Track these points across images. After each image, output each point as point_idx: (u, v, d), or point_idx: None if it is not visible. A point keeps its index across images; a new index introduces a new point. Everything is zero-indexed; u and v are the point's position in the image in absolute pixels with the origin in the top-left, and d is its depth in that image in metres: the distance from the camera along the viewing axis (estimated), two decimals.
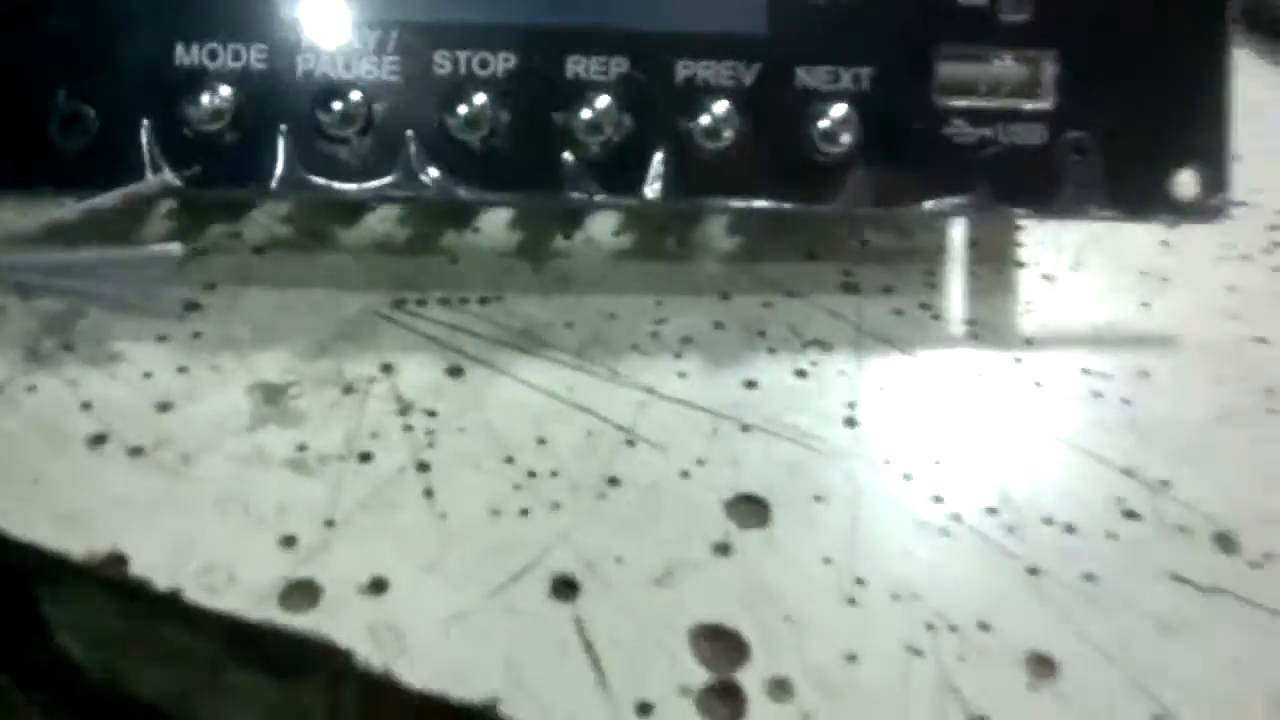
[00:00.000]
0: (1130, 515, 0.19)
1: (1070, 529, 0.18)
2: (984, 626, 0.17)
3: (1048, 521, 0.18)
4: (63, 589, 0.18)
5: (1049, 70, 0.21)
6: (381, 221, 0.23)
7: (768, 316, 0.22)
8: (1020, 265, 0.23)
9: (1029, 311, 0.23)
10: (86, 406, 0.19)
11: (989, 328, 0.22)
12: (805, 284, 0.22)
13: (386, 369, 0.20)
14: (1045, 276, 0.23)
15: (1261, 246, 0.25)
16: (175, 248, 0.20)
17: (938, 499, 0.19)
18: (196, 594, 0.16)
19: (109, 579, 0.17)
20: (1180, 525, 0.19)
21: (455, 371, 0.20)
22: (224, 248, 0.22)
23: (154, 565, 0.17)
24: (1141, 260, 0.24)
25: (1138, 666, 0.16)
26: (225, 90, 0.20)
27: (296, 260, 0.22)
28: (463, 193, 0.20)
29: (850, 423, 0.20)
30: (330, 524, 0.17)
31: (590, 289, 0.22)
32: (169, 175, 0.20)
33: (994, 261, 0.23)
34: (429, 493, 0.18)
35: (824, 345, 0.21)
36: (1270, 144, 0.28)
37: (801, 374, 0.21)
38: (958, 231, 0.24)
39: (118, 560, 0.17)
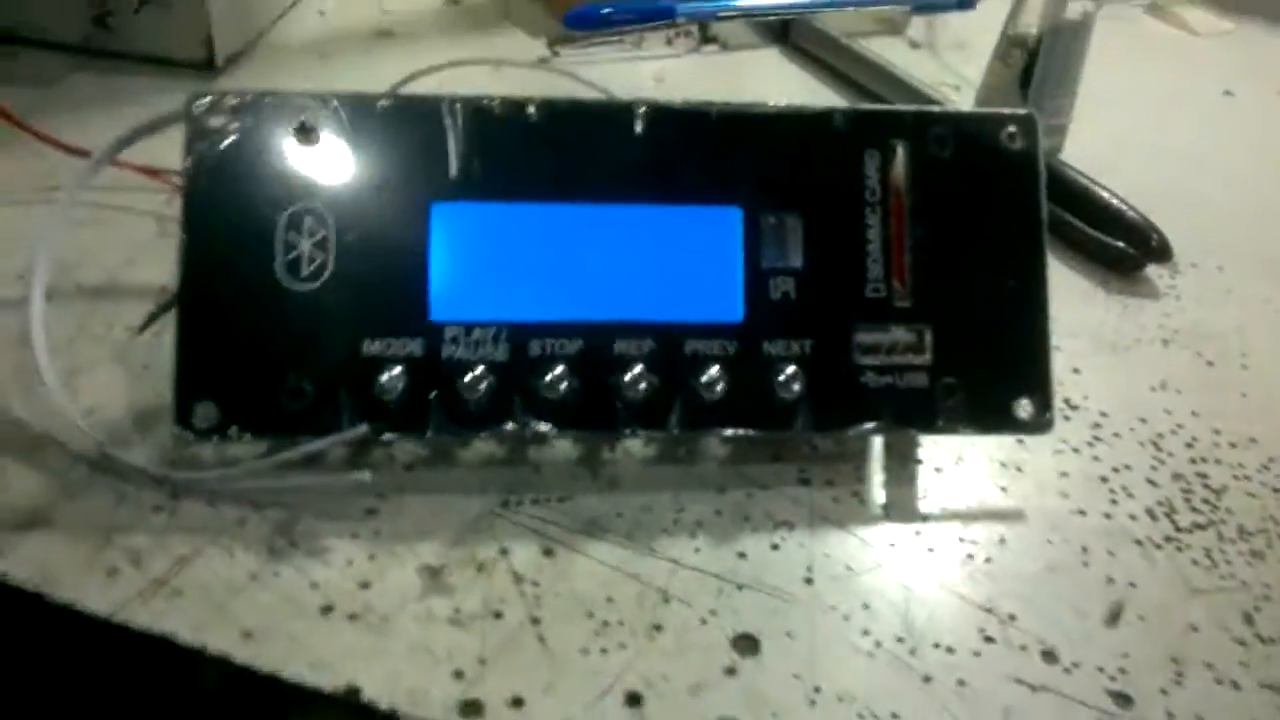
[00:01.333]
0: (988, 639, 0.29)
1: (950, 650, 0.29)
2: (895, 716, 0.27)
3: (936, 645, 0.29)
4: (312, 713, 0.27)
5: (927, 337, 0.32)
6: (486, 444, 0.33)
7: (750, 504, 0.32)
8: (919, 462, 0.34)
9: (925, 496, 0.33)
10: (314, 586, 0.29)
11: (899, 509, 0.33)
12: (773, 479, 0.33)
13: (503, 552, 0.30)
14: (936, 469, 0.34)
15: (1086, 440, 0.36)
16: (366, 476, 0.30)
17: (865, 632, 0.29)
18: (407, 709, 0.26)
19: (348, 703, 0.27)
20: (1020, 645, 0.29)
21: (549, 552, 0.30)
22: (385, 467, 0.32)
23: (376, 691, 0.27)
24: (1002, 454, 0.35)
25: None
26: (396, 370, 0.30)
27: (434, 474, 0.32)
28: (551, 431, 0.31)
29: (809, 581, 0.30)
30: (482, 662, 0.27)
31: (631, 489, 0.32)
32: (364, 426, 0.30)
33: (901, 459, 0.34)
34: (541, 639, 0.28)
35: (789, 525, 0.32)
36: (1097, 359, 0.40)
37: (775, 547, 0.31)
38: (877, 440, 0.35)
39: (353, 690, 0.27)
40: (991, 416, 0.32)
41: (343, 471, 0.31)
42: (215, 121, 0.30)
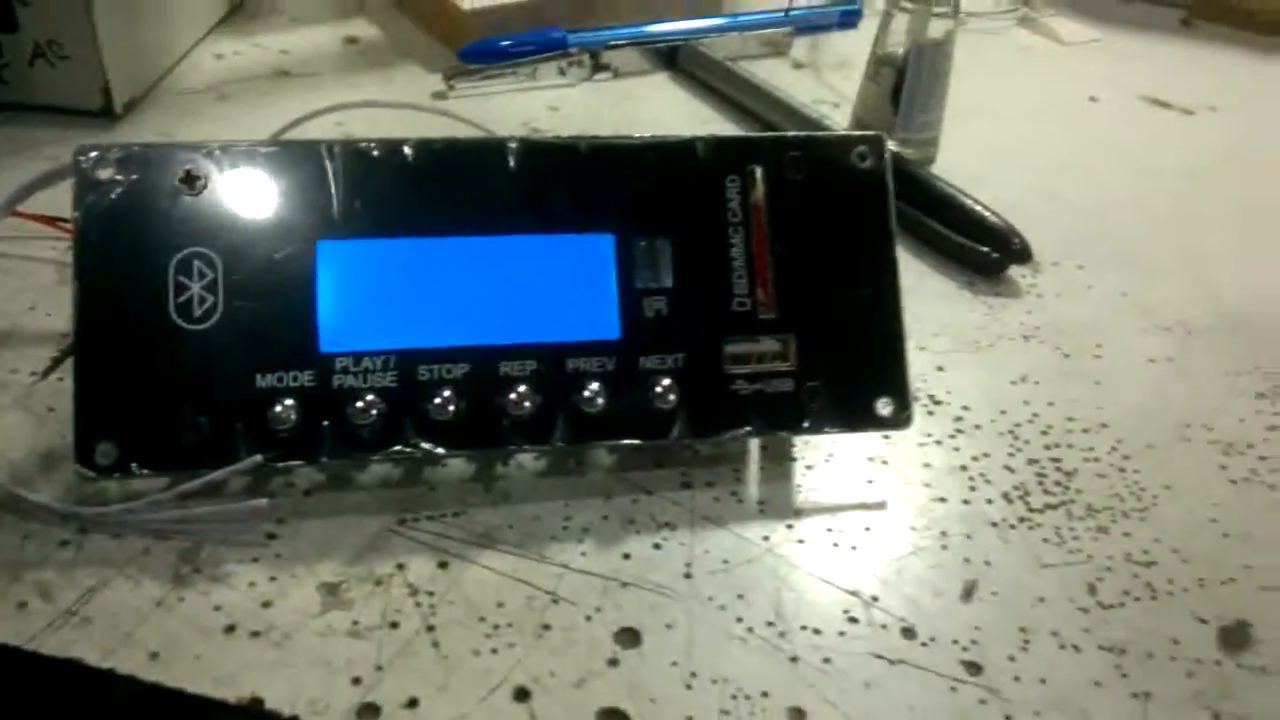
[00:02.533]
0: (852, 620, 0.32)
1: (817, 631, 0.31)
2: (765, 694, 0.29)
3: (803, 628, 0.31)
4: None
5: (791, 345, 0.35)
6: (382, 466, 0.35)
7: (635, 509, 0.35)
8: (793, 460, 0.37)
9: (798, 492, 0.36)
10: (218, 608, 0.30)
11: (773, 505, 0.35)
12: (658, 484, 0.35)
13: (400, 567, 0.32)
14: (808, 466, 0.37)
15: (948, 433, 0.39)
16: (264, 503, 0.32)
17: (739, 619, 0.31)
18: (308, 716, 0.28)
19: (251, 712, 0.28)
20: (882, 624, 0.32)
21: (443, 565, 0.32)
22: (284, 493, 0.34)
23: (278, 701, 0.28)
24: (870, 450, 0.37)
25: (853, 709, 0.29)
26: (289, 400, 0.32)
27: (332, 497, 0.34)
28: (440, 451, 0.33)
29: (688, 576, 0.32)
30: (379, 668, 0.29)
31: (523, 500, 0.34)
32: (258, 457, 0.32)
33: (776, 460, 0.37)
34: (435, 644, 0.30)
35: (671, 526, 0.34)
36: (961, 357, 0.42)
37: (657, 546, 0.33)
38: (754, 442, 0.37)
39: (257, 700, 0.28)
40: (855, 416, 0.35)
41: (243, 499, 0.33)
42: (103, 174, 0.32)
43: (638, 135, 0.35)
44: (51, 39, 0.48)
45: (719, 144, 0.35)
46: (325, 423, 0.32)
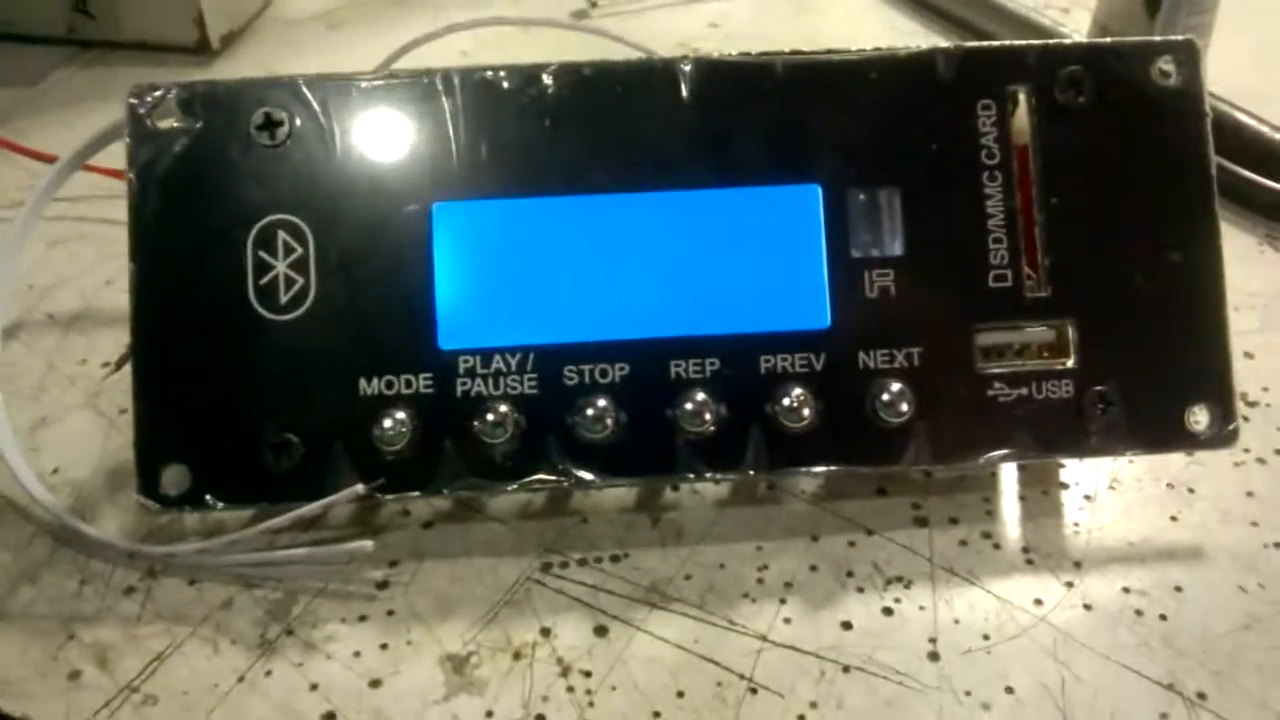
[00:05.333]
0: None
1: None
2: None
3: None
4: None
5: (1071, 335, 0.25)
6: (518, 490, 0.27)
7: (852, 555, 0.26)
8: (1064, 486, 0.27)
9: (1076, 533, 0.26)
10: (314, 687, 0.23)
11: (1043, 553, 0.26)
12: (880, 520, 0.27)
13: (545, 633, 0.24)
14: (1086, 497, 0.27)
15: (1274, 447, 0.29)
16: (368, 545, 0.25)
17: None
18: None
19: None
20: None
21: (601, 630, 0.24)
22: (397, 525, 0.27)
23: None
24: (1169, 473, 0.28)
25: None
26: (400, 414, 0.24)
27: (458, 532, 0.27)
28: (596, 480, 0.25)
29: (934, 657, 0.24)
30: None
31: (701, 540, 0.26)
32: (360, 487, 0.24)
33: (1041, 484, 0.27)
34: None
35: (904, 581, 0.25)
36: (1273, 339, 0.32)
37: (888, 612, 0.25)
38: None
39: None
40: (1158, 432, 0.25)
41: (346, 536, 0.26)
42: (162, 122, 0.25)
43: (854, 49, 0.26)
44: None
45: (966, 57, 0.26)
46: (446, 442, 0.25)
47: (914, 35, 0.47)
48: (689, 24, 0.47)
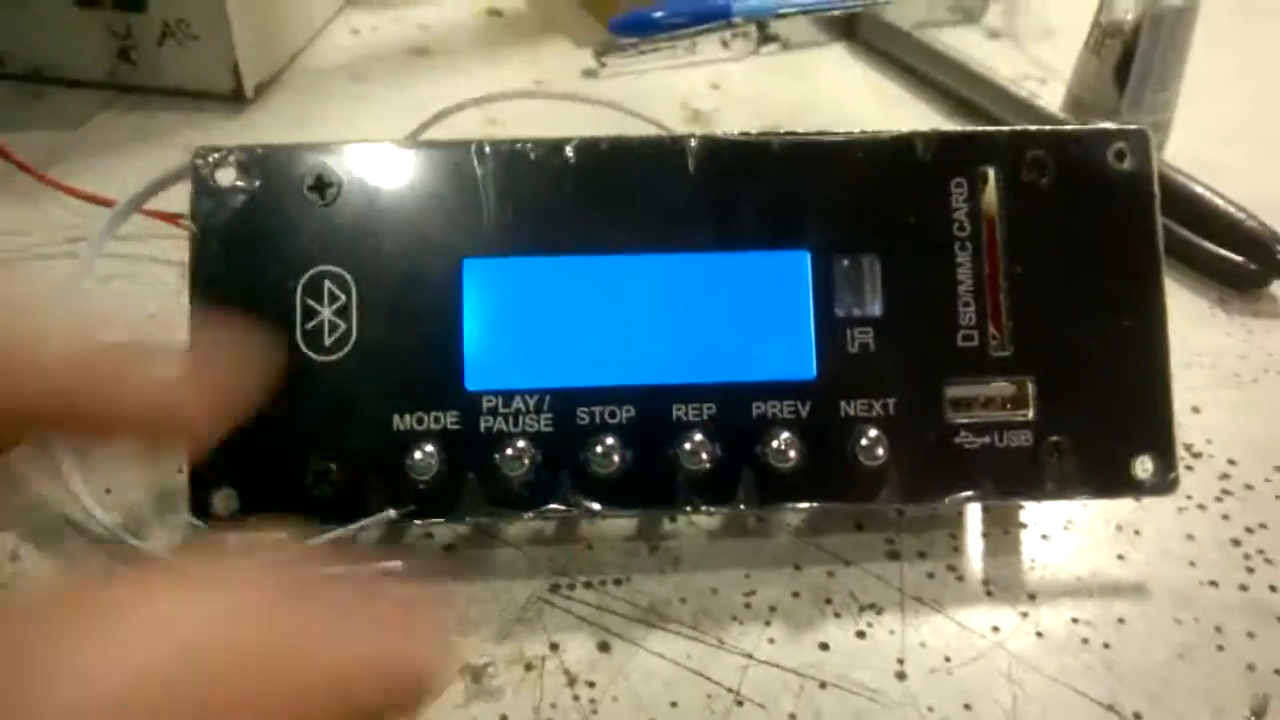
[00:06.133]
0: None
1: None
2: None
3: None
4: None
5: (1030, 389, 0.28)
6: (533, 518, 0.30)
7: (831, 584, 0.29)
8: (1023, 526, 0.30)
9: (1031, 569, 0.29)
10: None
11: (1001, 586, 0.29)
12: (857, 553, 0.29)
13: (554, 647, 0.27)
14: (1043, 536, 0.30)
15: (1214, 495, 0.32)
16: (398, 565, 0.27)
17: None
18: None
19: None
20: None
21: (604, 646, 0.27)
22: (421, 548, 0.29)
23: None
24: (1118, 515, 0.31)
25: None
26: (429, 446, 0.27)
27: (476, 555, 0.29)
28: (602, 511, 0.28)
29: (900, 676, 0.27)
30: None
31: (695, 567, 0.29)
32: (391, 512, 0.27)
33: (1002, 524, 0.30)
34: None
35: (876, 608, 0.28)
36: (1220, 394, 0.35)
37: (861, 635, 0.28)
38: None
39: None
40: (1106, 478, 0.28)
41: (375, 554, 0.28)
42: (224, 179, 0.28)
43: (841, 130, 0.29)
44: (181, 18, 0.44)
45: (944, 141, 0.29)
46: (470, 474, 0.27)
47: (902, 101, 0.50)
48: (690, 84, 0.50)
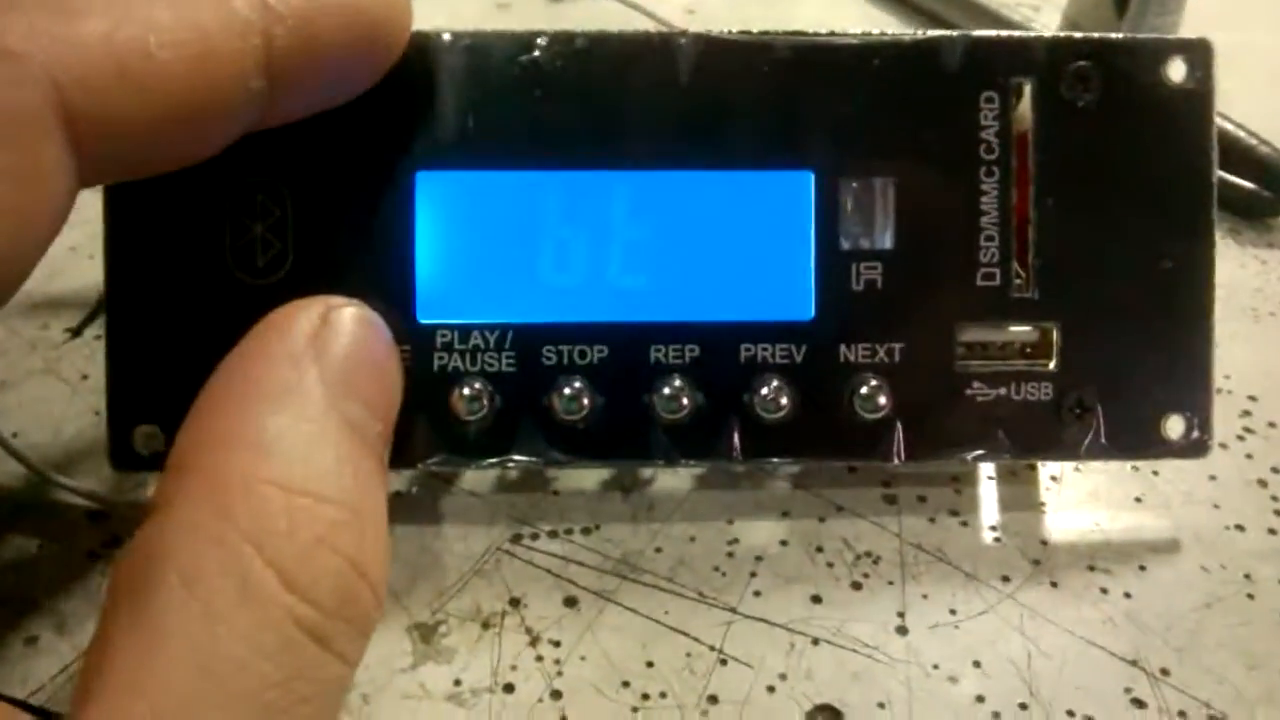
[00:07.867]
0: (1137, 704, 0.23)
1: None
2: None
3: (1070, 714, 0.23)
4: None
5: (1055, 338, 0.25)
6: (491, 465, 0.27)
7: (823, 531, 0.26)
8: (1031, 467, 0.28)
9: (1043, 513, 0.27)
10: None
11: (1011, 532, 0.27)
12: (851, 498, 0.27)
13: (515, 603, 0.25)
14: (1054, 478, 0.28)
15: (1235, 433, 0.29)
16: None
17: (979, 698, 0.23)
18: None
19: None
20: (1179, 710, 0.23)
21: (571, 602, 0.25)
22: None
23: None
24: None
25: None
26: None
27: (432, 503, 0.27)
28: (569, 461, 0.25)
29: (902, 631, 0.25)
30: None
31: (672, 514, 0.27)
32: None
33: (1009, 466, 0.28)
34: (564, 719, 0.23)
35: (873, 557, 0.26)
36: (1236, 327, 0.32)
37: (857, 586, 0.25)
38: None
39: None
40: (1133, 438, 0.25)
41: None
42: None
43: (857, 32, 0.25)
44: None
45: (974, 46, 0.25)
46: (421, 416, 0.25)
47: (888, 25, 0.45)
48: (664, 8, 0.45)
